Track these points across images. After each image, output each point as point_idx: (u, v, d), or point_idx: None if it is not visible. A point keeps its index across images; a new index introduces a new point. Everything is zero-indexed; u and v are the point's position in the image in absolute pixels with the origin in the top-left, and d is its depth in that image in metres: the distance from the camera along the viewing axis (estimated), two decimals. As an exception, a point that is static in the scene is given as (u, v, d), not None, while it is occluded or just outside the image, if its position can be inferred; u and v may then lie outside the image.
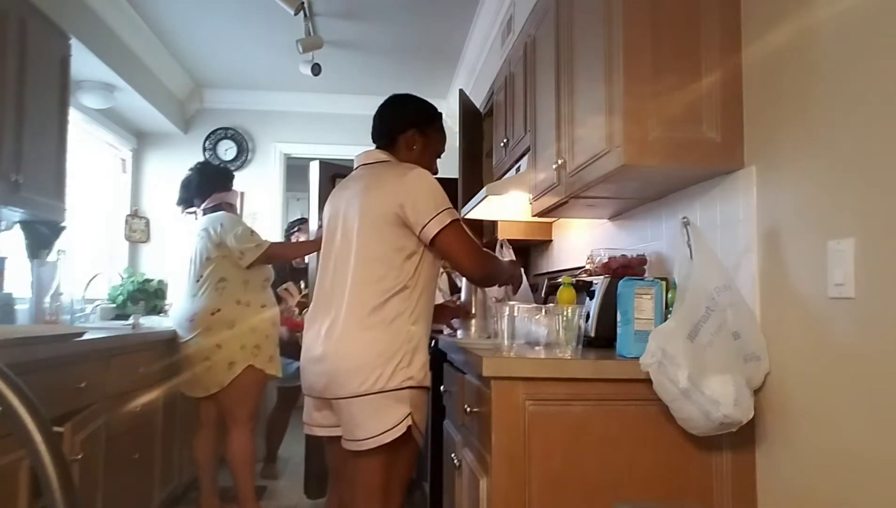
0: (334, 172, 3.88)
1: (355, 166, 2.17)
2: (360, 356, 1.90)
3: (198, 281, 3.05)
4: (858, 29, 1.36)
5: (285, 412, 4.43)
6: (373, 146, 2.17)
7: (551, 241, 3.40)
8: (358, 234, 1.99)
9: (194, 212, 3.26)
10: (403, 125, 2.12)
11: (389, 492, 1.99)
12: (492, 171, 3.49)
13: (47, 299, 2.95)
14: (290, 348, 3.63)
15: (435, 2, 4.02)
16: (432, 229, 1.92)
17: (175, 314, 3.17)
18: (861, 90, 1.35)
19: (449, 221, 1.93)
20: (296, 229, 4.54)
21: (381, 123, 2.16)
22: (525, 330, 1.89)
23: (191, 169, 3.31)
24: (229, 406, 3.03)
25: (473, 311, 2.50)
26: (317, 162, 3.88)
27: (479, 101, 3.87)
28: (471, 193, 3.28)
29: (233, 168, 5.12)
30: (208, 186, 3.22)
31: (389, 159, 2.10)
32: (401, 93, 2.22)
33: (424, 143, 2.14)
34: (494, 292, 2.52)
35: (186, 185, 3.27)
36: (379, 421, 1.89)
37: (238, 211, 3.41)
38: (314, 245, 3.43)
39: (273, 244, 3.15)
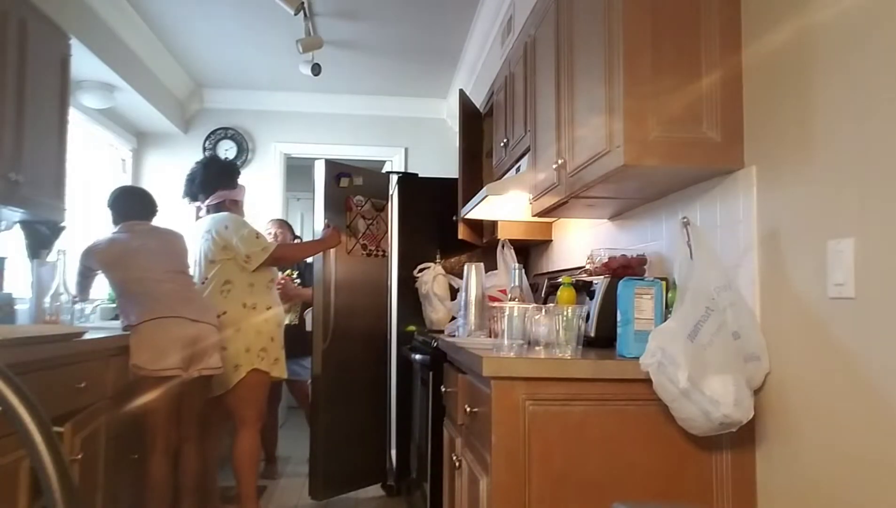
0: (339, 172, 3.88)
1: None
2: None
3: (202, 284, 3.04)
4: (858, 29, 1.36)
5: (272, 409, 4.40)
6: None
7: (551, 241, 3.40)
8: None
9: (200, 206, 3.26)
10: None
11: None
12: (492, 171, 3.49)
13: (47, 299, 2.94)
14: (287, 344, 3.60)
15: (435, 2, 4.02)
16: None
17: (178, 316, 3.16)
18: (861, 90, 1.35)
19: None
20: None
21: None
22: (525, 330, 1.89)
23: (197, 163, 3.29)
24: (236, 408, 3.03)
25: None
26: (322, 161, 3.87)
27: (479, 101, 3.86)
28: (471, 193, 3.28)
29: (232, 168, 5.11)
30: (212, 183, 3.20)
31: None
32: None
33: None
34: None
35: (191, 180, 3.25)
36: None
37: (244, 208, 3.39)
38: (320, 245, 3.43)
39: (280, 246, 3.14)
